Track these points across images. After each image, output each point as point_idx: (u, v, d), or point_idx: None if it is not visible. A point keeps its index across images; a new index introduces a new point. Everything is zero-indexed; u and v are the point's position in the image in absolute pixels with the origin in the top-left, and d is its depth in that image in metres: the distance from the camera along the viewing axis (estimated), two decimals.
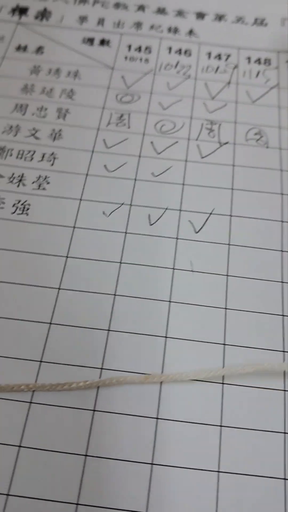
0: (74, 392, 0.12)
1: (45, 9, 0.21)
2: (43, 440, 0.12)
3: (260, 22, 0.21)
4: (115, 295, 0.14)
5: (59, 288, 0.14)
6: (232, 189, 0.16)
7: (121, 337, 0.13)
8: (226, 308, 0.14)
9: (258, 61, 0.20)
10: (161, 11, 0.21)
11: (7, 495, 0.11)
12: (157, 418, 0.12)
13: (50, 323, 0.14)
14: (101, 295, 0.14)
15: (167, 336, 0.13)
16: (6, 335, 0.13)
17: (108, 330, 0.13)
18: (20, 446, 0.12)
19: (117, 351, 0.13)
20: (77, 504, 0.11)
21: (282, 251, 0.15)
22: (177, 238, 0.15)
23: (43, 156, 0.17)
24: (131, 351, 0.13)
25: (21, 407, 0.12)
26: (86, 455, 0.12)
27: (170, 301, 0.14)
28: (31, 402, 0.12)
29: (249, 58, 0.20)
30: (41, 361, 0.13)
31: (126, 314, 0.14)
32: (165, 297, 0.14)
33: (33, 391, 0.12)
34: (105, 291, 0.14)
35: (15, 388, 0.12)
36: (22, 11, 0.21)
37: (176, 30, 0.21)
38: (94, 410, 0.12)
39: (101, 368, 0.13)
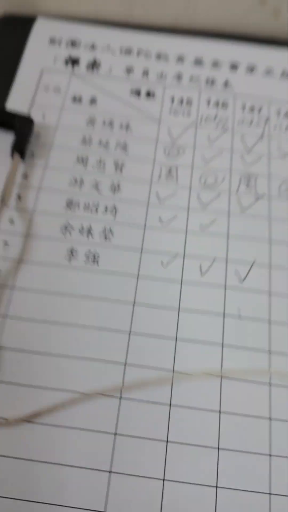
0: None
1: (94, 60, 0.23)
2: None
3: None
4: (176, 338, 0.17)
5: (129, 333, 0.17)
6: (270, 240, 0.19)
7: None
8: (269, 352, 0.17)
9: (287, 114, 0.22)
10: (198, 62, 0.23)
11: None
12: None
13: (125, 364, 0.16)
14: (163, 340, 0.17)
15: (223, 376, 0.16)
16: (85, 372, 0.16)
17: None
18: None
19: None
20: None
21: None
22: (225, 288, 0.18)
23: (106, 209, 0.19)
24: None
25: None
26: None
27: (222, 345, 0.17)
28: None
29: (279, 111, 0.22)
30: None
31: (188, 356, 0.17)
32: (218, 340, 0.17)
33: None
34: (168, 334, 0.17)
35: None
36: (74, 62, 0.23)
37: (213, 82, 0.23)
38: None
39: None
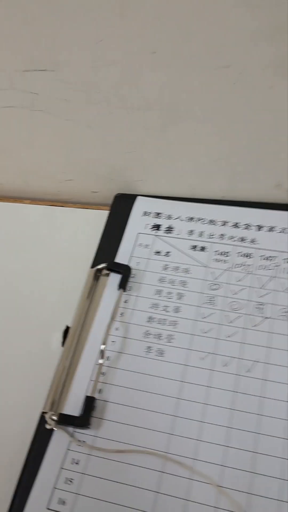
0: None
1: (169, 226, 0.37)
2: None
3: None
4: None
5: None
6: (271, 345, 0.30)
7: None
8: None
9: None
10: (236, 225, 0.36)
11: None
12: None
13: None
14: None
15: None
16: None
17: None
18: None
19: None
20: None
21: None
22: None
23: (170, 323, 0.32)
24: None
25: None
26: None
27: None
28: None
29: (285, 259, 0.34)
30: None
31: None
32: None
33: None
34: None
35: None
36: (157, 227, 0.37)
37: (243, 239, 0.36)
38: None
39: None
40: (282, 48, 0.26)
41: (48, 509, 0.26)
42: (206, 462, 0.27)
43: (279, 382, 0.29)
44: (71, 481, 0.27)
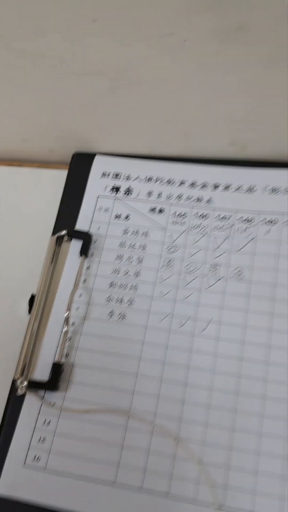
0: None
1: (129, 188, 0.37)
2: None
3: (250, 189, 0.36)
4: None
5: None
6: (223, 306, 0.32)
7: None
8: None
9: (248, 220, 0.35)
10: (193, 184, 0.37)
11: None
12: None
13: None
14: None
15: None
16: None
17: None
18: None
19: None
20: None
21: None
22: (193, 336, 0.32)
23: (131, 287, 0.33)
24: None
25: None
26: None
27: None
28: None
29: (241, 219, 0.35)
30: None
31: None
32: None
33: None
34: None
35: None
36: (117, 189, 0.37)
37: (200, 199, 0.36)
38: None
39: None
40: (224, 15, 0.25)
41: (25, 465, 0.29)
42: (165, 417, 0.29)
43: (231, 340, 0.31)
44: (43, 440, 0.30)
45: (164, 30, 0.26)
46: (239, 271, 0.33)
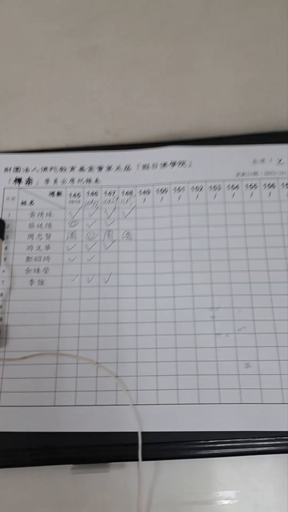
0: None
1: (29, 178, 0.44)
2: None
3: (127, 167, 0.45)
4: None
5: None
6: (118, 262, 0.41)
7: None
8: None
9: (129, 193, 0.44)
10: (82, 169, 0.45)
11: None
12: None
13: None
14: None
15: None
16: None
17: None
18: None
19: None
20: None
21: None
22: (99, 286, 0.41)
23: (43, 258, 0.41)
24: None
25: None
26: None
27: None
28: None
29: (123, 192, 0.44)
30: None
31: None
32: None
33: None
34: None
35: None
36: (19, 180, 0.44)
37: (89, 180, 0.44)
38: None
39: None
40: (83, 38, 0.33)
41: None
42: (85, 350, 0.38)
43: (128, 286, 0.40)
44: None
45: (37, 53, 0.34)
46: (127, 233, 0.42)
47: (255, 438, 0.35)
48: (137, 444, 0.35)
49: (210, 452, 0.35)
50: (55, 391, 0.37)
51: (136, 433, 0.35)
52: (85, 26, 0.31)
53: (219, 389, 0.36)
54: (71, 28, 0.32)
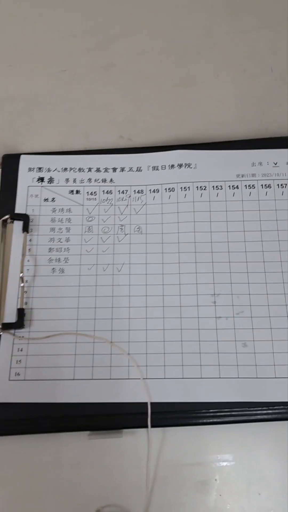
0: None
1: (50, 177, 0.49)
2: None
3: (138, 169, 0.49)
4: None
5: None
6: (130, 253, 0.46)
7: None
8: None
9: (140, 191, 0.48)
10: (98, 170, 0.49)
11: None
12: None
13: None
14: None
15: None
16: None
17: None
18: None
19: None
20: None
21: None
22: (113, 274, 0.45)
23: (64, 249, 0.46)
24: None
25: None
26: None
27: None
28: None
29: (135, 191, 0.48)
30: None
31: None
32: None
33: None
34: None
35: None
36: (41, 179, 0.49)
37: (104, 180, 0.49)
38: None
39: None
40: (99, 56, 0.38)
41: (10, 380, 0.41)
42: (101, 331, 0.43)
43: (138, 274, 0.45)
44: (20, 361, 0.42)
45: (61, 67, 0.38)
46: (138, 227, 0.46)
47: (250, 408, 0.39)
48: (146, 413, 0.39)
49: (211, 420, 0.39)
50: (74, 367, 0.41)
51: (145, 403, 0.39)
52: (104, 45, 0.36)
53: (219, 365, 0.40)
54: (92, 46, 0.36)
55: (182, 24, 0.34)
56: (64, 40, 0.35)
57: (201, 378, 0.40)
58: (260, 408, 0.39)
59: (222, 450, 0.39)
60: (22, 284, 0.44)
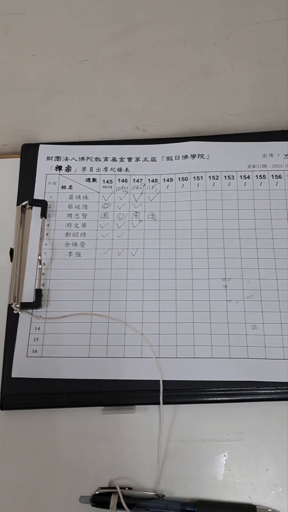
0: None
1: (68, 165, 0.49)
2: None
3: (153, 159, 0.49)
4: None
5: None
6: (144, 238, 0.46)
7: None
8: None
9: (154, 180, 0.48)
10: (114, 159, 0.49)
11: None
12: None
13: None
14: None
15: None
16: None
17: None
18: None
19: None
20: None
21: None
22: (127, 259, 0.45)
23: (80, 234, 0.46)
24: None
25: None
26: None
27: None
28: None
29: (149, 179, 0.49)
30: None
31: None
32: None
33: None
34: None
35: None
36: (59, 167, 0.49)
37: (120, 169, 0.49)
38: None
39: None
40: (118, 45, 0.38)
41: (27, 357, 0.41)
42: (115, 311, 0.43)
43: (152, 259, 0.45)
44: (37, 339, 0.42)
45: (82, 56, 0.39)
46: (152, 214, 0.47)
47: (259, 387, 0.39)
48: (158, 390, 0.39)
49: (220, 399, 0.39)
50: (89, 345, 0.42)
51: (158, 381, 0.39)
52: (124, 34, 0.36)
53: (229, 346, 0.41)
54: (112, 35, 0.36)
55: (200, 15, 0.34)
56: (86, 30, 0.35)
57: (211, 358, 0.40)
58: (268, 388, 0.39)
59: (232, 428, 0.39)
60: (40, 266, 0.44)
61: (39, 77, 0.40)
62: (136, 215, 0.47)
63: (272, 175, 0.47)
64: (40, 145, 0.50)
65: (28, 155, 0.50)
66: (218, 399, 0.39)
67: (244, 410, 0.39)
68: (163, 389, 0.39)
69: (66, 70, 0.40)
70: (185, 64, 0.39)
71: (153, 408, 0.40)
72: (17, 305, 0.42)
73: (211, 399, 0.39)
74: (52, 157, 0.49)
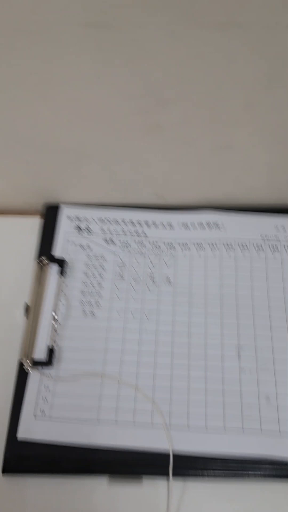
0: None
1: (88, 226, 0.50)
2: None
3: (169, 224, 0.51)
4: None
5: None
6: (158, 301, 0.46)
7: None
8: None
9: (170, 245, 0.49)
10: (132, 223, 0.51)
11: None
12: None
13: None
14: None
15: None
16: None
17: None
18: None
19: None
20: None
21: None
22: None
23: (96, 293, 0.46)
24: None
25: None
26: None
27: None
28: None
29: (165, 244, 0.49)
30: None
31: None
32: None
33: None
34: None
35: None
36: (79, 228, 0.50)
37: (137, 233, 0.50)
38: None
39: None
40: (148, 117, 0.40)
41: (35, 417, 0.40)
42: (127, 374, 0.42)
43: (166, 320, 0.44)
44: (46, 399, 0.41)
45: (112, 127, 0.41)
46: (167, 277, 0.47)
47: (274, 463, 0.37)
48: (168, 461, 0.37)
49: (232, 472, 0.37)
50: (98, 408, 0.40)
51: (167, 452, 0.38)
52: (154, 108, 0.38)
53: (241, 415, 0.39)
54: (142, 109, 0.39)
55: (225, 96, 0.37)
56: (118, 102, 0.37)
57: (223, 427, 0.39)
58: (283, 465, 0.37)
59: (248, 509, 0.36)
60: (54, 323, 0.44)
61: (71, 142, 0.42)
62: (151, 278, 0.47)
63: (285, 246, 0.48)
64: (63, 207, 0.51)
65: (50, 215, 0.51)
66: (230, 473, 0.37)
67: (260, 487, 0.37)
68: (173, 460, 0.37)
69: (97, 138, 0.42)
70: (207, 140, 0.42)
71: (161, 482, 0.37)
72: (28, 363, 0.41)
73: (224, 472, 0.37)
74: (73, 217, 0.51)
